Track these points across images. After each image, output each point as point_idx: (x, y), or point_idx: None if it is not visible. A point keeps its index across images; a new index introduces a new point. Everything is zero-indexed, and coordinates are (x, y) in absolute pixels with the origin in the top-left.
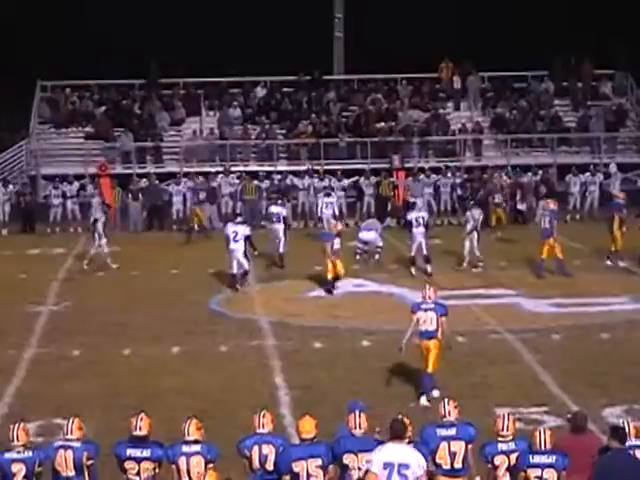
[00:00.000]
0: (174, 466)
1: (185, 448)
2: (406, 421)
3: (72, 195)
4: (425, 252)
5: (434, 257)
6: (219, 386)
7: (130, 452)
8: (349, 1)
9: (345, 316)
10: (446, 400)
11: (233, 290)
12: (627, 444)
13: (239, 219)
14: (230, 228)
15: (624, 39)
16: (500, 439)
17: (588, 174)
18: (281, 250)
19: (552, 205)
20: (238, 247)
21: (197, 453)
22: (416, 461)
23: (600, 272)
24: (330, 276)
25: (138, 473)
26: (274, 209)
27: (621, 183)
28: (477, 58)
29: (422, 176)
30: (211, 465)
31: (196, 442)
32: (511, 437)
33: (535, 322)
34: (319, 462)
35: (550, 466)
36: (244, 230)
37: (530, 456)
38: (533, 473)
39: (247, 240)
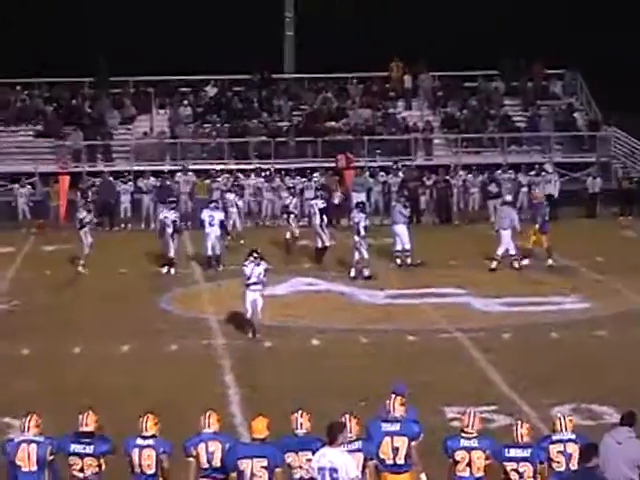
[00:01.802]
0: (128, 458)
1: (139, 441)
2: (350, 422)
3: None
4: (356, 256)
5: (386, 255)
6: (169, 385)
7: (74, 447)
8: (299, 0)
9: (296, 315)
10: (392, 396)
11: (211, 270)
12: (560, 437)
13: (214, 204)
14: (206, 213)
15: (574, 38)
16: (463, 435)
17: (520, 174)
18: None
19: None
20: (213, 231)
21: (150, 446)
22: (344, 465)
23: (549, 271)
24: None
25: (82, 469)
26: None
27: (569, 183)
28: (428, 57)
29: (367, 174)
30: (164, 456)
31: (152, 437)
32: (475, 434)
33: (485, 321)
34: (264, 462)
35: (526, 460)
36: (219, 215)
37: (506, 450)
38: (509, 466)
39: (221, 225)
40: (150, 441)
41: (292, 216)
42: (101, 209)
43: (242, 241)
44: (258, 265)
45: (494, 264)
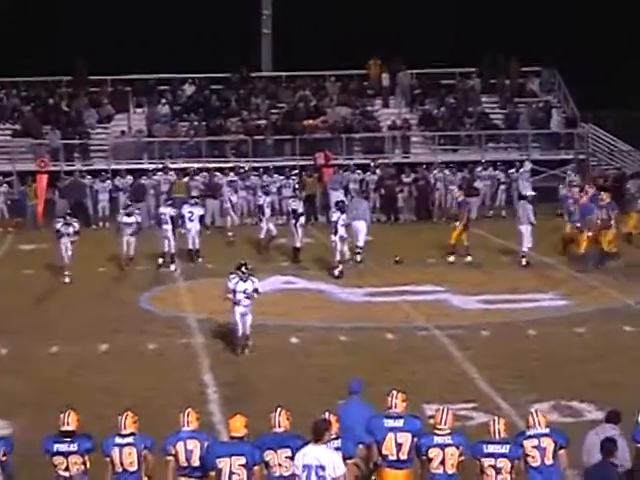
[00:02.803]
0: (108, 459)
1: (118, 440)
2: (331, 420)
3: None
4: (338, 257)
5: (365, 253)
6: (148, 384)
7: (57, 447)
8: None
9: (274, 313)
10: (394, 393)
11: (191, 263)
12: (534, 432)
13: (194, 200)
14: (186, 209)
15: (552, 36)
16: (437, 432)
17: (497, 171)
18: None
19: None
20: (193, 226)
21: (130, 444)
22: (332, 463)
23: (527, 269)
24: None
25: (67, 468)
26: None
27: (548, 180)
28: (405, 55)
29: (347, 172)
30: (146, 451)
31: (131, 434)
32: (448, 431)
33: (464, 319)
34: (242, 460)
35: (504, 455)
36: (198, 211)
37: (484, 445)
38: (487, 462)
39: (201, 220)
40: (129, 439)
41: (266, 215)
42: (74, 209)
43: (231, 234)
44: (245, 281)
45: (524, 261)
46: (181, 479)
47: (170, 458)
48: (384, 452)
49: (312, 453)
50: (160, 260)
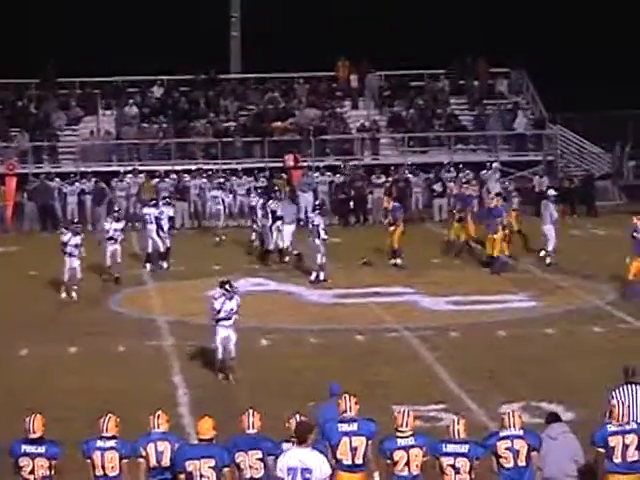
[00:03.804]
0: (89, 460)
1: (100, 443)
2: (311, 423)
3: None
4: (319, 260)
5: (334, 255)
6: (117, 386)
7: (25, 448)
8: (245, 0)
9: (244, 315)
10: (347, 396)
11: (161, 265)
12: (508, 433)
13: (165, 201)
14: (156, 210)
15: (520, 37)
16: (399, 434)
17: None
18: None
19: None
20: (151, 228)
21: (112, 448)
22: (318, 465)
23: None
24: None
25: (32, 471)
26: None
27: (516, 181)
28: (374, 56)
29: (317, 173)
30: (126, 460)
31: (112, 437)
32: (410, 433)
33: (433, 320)
34: (212, 463)
35: (462, 455)
36: (168, 211)
37: (443, 445)
38: (446, 461)
39: (170, 221)
40: (112, 442)
41: (259, 217)
42: (41, 212)
43: (223, 237)
44: (230, 299)
45: (548, 260)
46: None
47: (141, 460)
48: (339, 456)
49: (297, 456)
50: (148, 265)
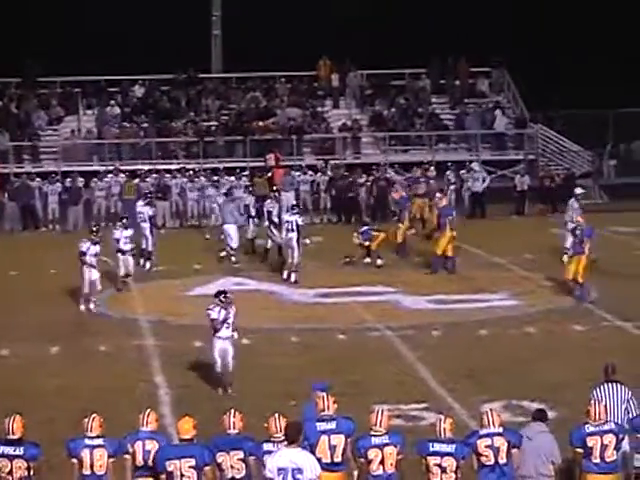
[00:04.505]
0: (75, 460)
1: (88, 441)
2: (300, 423)
3: None
4: (294, 260)
5: (316, 254)
6: (99, 386)
7: (3, 449)
8: None
9: None
10: (325, 395)
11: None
12: (487, 431)
13: (145, 201)
14: (137, 209)
15: (501, 37)
16: (373, 433)
17: (448, 171)
18: (150, 248)
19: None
20: (145, 226)
21: (100, 446)
22: (310, 466)
23: (478, 269)
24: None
25: (10, 472)
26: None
27: (498, 180)
28: (355, 55)
29: (298, 172)
30: (113, 459)
31: (98, 436)
32: (384, 431)
33: (414, 319)
34: (192, 462)
35: (449, 454)
36: (148, 210)
37: (430, 444)
38: (433, 461)
39: (151, 220)
40: (100, 441)
41: (252, 216)
42: (22, 212)
43: (208, 236)
44: (226, 309)
45: (565, 257)
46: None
47: (127, 457)
48: (318, 455)
49: (287, 456)
50: (147, 264)
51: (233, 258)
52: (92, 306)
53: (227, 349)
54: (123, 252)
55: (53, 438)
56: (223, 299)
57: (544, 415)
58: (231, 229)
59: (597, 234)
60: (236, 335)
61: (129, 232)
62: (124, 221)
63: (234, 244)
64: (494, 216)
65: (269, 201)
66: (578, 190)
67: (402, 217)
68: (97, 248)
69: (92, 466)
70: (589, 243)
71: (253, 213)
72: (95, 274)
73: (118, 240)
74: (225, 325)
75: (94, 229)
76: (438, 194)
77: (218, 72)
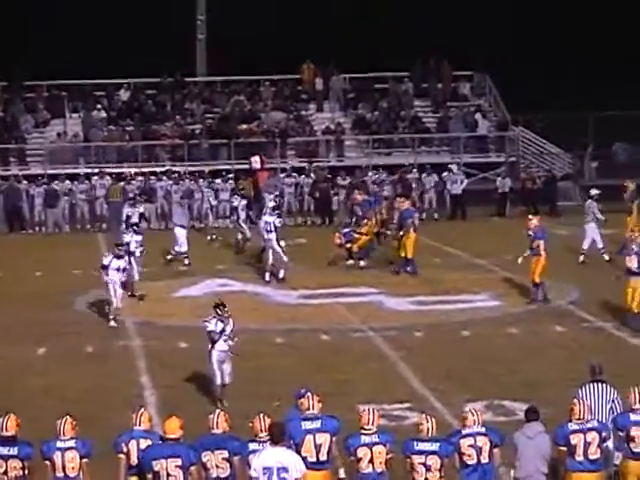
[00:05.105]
0: (48, 462)
1: (60, 444)
2: (284, 424)
3: None
4: (271, 261)
5: (300, 256)
6: (85, 386)
7: None
8: (211, 3)
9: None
10: (309, 394)
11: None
12: (470, 431)
13: (134, 201)
14: (127, 210)
15: (483, 40)
16: (364, 432)
17: (424, 174)
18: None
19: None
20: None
21: (72, 448)
22: (294, 465)
23: (459, 270)
24: None
25: (5, 472)
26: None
27: (480, 182)
28: (338, 59)
29: (283, 175)
30: (86, 460)
31: (72, 439)
32: (375, 430)
33: (397, 320)
34: (178, 462)
35: (434, 453)
36: (137, 210)
37: (415, 443)
38: (417, 459)
39: (141, 217)
40: (71, 443)
41: (241, 218)
42: (10, 213)
43: (214, 237)
44: (222, 322)
45: (581, 258)
46: (132, 479)
47: (121, 456)
48: (303, 454)
49: (272, 455)
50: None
51: (186, 261)
52: (112, 324)
53: (224, 361)
54: (133, 255)
55: (42, 438)
56: (220, 311)
57: (538, 414)
58: (180, 232)
59: (549, 234)
60: (232, 353)
61: (139, 237)
62: (135, 227)
63: (183, 248)
64: (475, 218)
65: (235, 196)
66: (594, 191)
67: (407, 229)
68: (120, 262)
69: (64, 468)
70: (542, 244)
71: (243, 216)
72: (119, 289)
73: (129, 244)
74: (223, 337)
75: (119, 242)
76: (399, 198)
77: (203, 76)
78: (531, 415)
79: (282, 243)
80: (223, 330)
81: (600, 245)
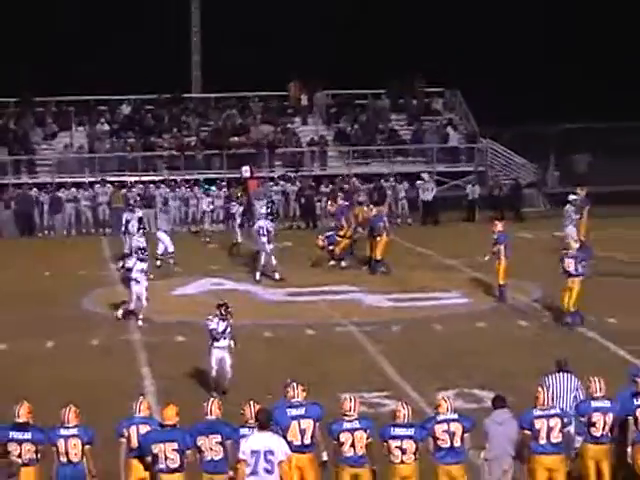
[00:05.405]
0: (54, 447)
1: (63, 431)
2: (270, 410)
3: None
4: (263, 262)
5: (286, 258)
6: (90, 377)
7: (12, 434)
8: (205, 26)
9: (205, 312)
10: (294, 384)
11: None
12: (444, 417)
13: (130, 207)
14: (127, 215)
15: (453, 60)
16: (345, 418)
17: (391, 181)
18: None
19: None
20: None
21: (75, 436)
22: (280, 447)
23: (433, 270)
24: None
25: (20, 455)
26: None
27: (451, 190)
28: (322, 77)
29: (271, 183)
30: (88, 447)
31: (75, 426)
32: (356, 416)
33: (376, 316)
34: (175, 446)
35: (409, 437)
36: (138, 213)
37: (392, 428)
38: (394, 444)
39: (139, 221)
40: (74, 430)
41: (237, 222)
42: (21, 219)
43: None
44: (224, 320)
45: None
46: (132, 460)
47: (122, 440)
48: (289, 438)
49: (259, 440)
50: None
51: (171, 260)
52: (140, 322)
53: (224, 358)
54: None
55: (45, 425)
56: (224, 311)
57: (505, 402)
58: (163, 236)
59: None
60: (233, 344)
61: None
62: (141, 253)
63: (170, 249)
64: (447, 222)
65: (233, 203)
66: (572, 196)
67: (379, 232)
68: (144, 265)
69: (67, 454)
70: (504, 248)
71: (239, 220)
72: (141, 289)
73: (130, 270)
74: (224, 336)
75: (143, 247)
76: (367, 207)
77: (198, 93)
78: (498, 402)
79: (272, 246)
80: (225, 329)
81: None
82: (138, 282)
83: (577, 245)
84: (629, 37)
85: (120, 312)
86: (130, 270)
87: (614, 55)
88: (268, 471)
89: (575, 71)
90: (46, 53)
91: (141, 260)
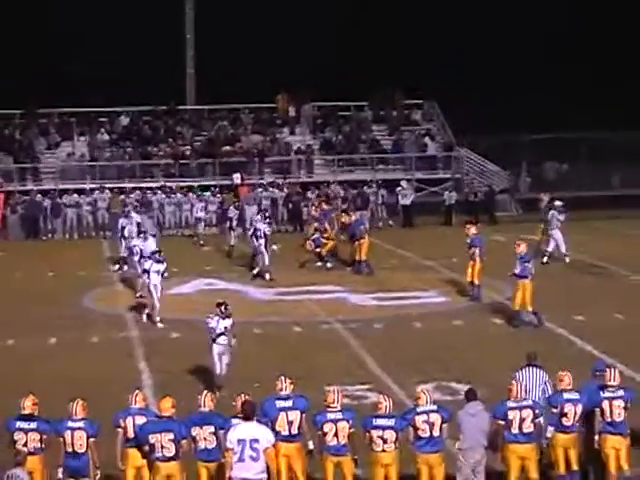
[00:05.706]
0: (61, 438)
1: (70, 423)
2: (255, 402)
3: None
4: (265, 262)
5: (275, 259)
6: (90, 371)
7: (19, 424)
8: (199, 42)
9: (198, 310)
10: (283, 377)
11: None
12: (424, 409)
13: (126, 213)
14: (122, 221)
15: (431, 73)
16: (329, 409)
17: (374, 188)
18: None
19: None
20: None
21: (80, 428)
22: (264, 436)
23: (412, 271)
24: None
25: (26, 444)
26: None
27: (429, 196)
28: (309, 90)
29: (261, 189)
30: (93, 439)
31: (82, 419)
32: (339, 408)
33: (360, 314)
34: (171, 436)
35: (390, 427)
36: (136, 218)
37: (373, 419)
38: (376, 433)
39: (138, 225)
40: (81, 423)
41: (234, 226)
42: (27, 223)
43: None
44: (224, 319)
45: (567, 259)
46: (129, 450)
47: (119, 430)
48: (277, 429)
49: (245, 429)
50: (124, 267)
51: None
52: (159, 325)
53: (224, 353)
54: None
55: (52, 417)
56: (223, 310)
57: (476, 394)
58: (150, 240)
59: (487, 241)
60: (234, 342)
61: (163, 266)
62: (144, 234)
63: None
64: (426, 226)
65: (231, 209)
66: (557, 202)
67: (360, 235)
68: (160, 266)
69: (73, 445)
70: (478, 250)
71: (235, 224)
72: (157, 291)
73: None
74: (219, 331)
75: (158, 249)
76: (346, 213)
77: (192, 104)
78: (471, 395)
79: (274, 247)
80: (225, 327)
81: (563, 249)
82: (155, 284)
83: (526, 248)
84: (602, 51)
85: (144, 316)
86: (147, 272)
87: (586, 69)
88: (253, 458)
89: (547, 84)
90: (50, 68)
91: (158, 262)
